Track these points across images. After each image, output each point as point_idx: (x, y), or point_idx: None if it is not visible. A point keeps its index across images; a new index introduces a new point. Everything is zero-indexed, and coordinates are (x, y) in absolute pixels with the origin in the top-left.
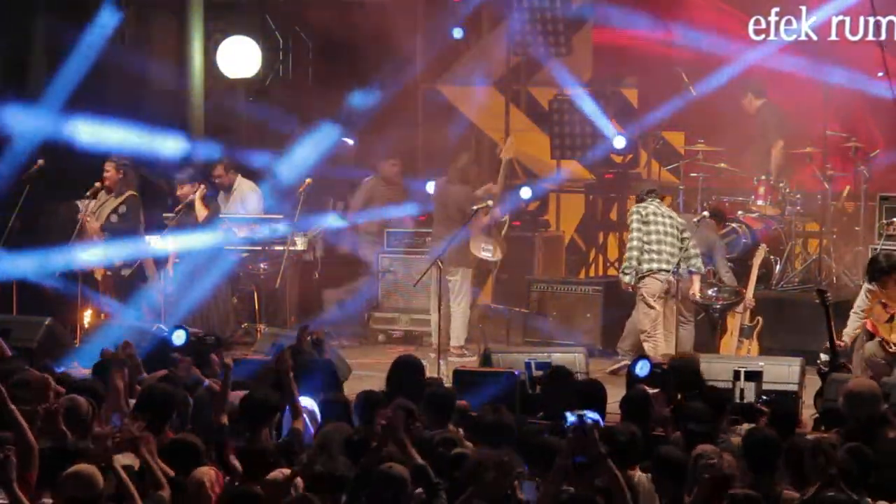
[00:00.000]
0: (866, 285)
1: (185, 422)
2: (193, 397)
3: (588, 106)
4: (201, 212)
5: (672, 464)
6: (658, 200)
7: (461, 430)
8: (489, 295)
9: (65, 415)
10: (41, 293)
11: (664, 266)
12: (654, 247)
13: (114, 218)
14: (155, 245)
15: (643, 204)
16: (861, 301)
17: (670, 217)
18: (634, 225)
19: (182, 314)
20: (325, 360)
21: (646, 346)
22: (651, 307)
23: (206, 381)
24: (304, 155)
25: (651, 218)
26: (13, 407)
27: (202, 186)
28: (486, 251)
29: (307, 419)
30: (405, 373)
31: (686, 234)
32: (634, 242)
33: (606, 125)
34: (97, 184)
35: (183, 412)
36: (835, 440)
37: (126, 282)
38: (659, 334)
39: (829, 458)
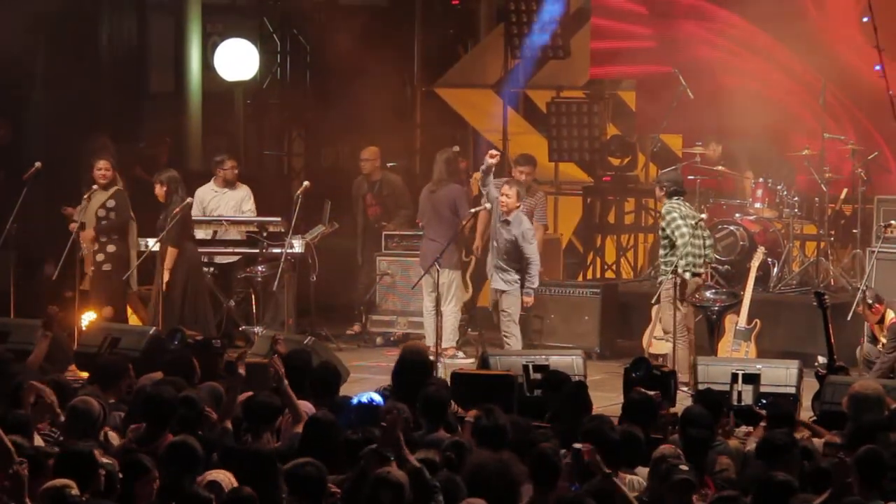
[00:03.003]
0: None
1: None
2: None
3: None
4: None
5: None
6: (681, 199)
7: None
8: (487, 297)
9: (76, 417)
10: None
11: (690, 269)
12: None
13: (101, 213)
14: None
15: (676, 204)
16: None
17: (693, 218)
18: (680, 222)
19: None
20: (324, 361)
21: (670, 345)
22: (678, 308)
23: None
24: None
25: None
26: None
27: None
28: None
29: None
30: (412, 369)
31: (705, 234)
32: (688, 238)
33: None
34: (94, 186)
35: (192, 416)
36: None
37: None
38: (684, 335)
39: (842, 466)
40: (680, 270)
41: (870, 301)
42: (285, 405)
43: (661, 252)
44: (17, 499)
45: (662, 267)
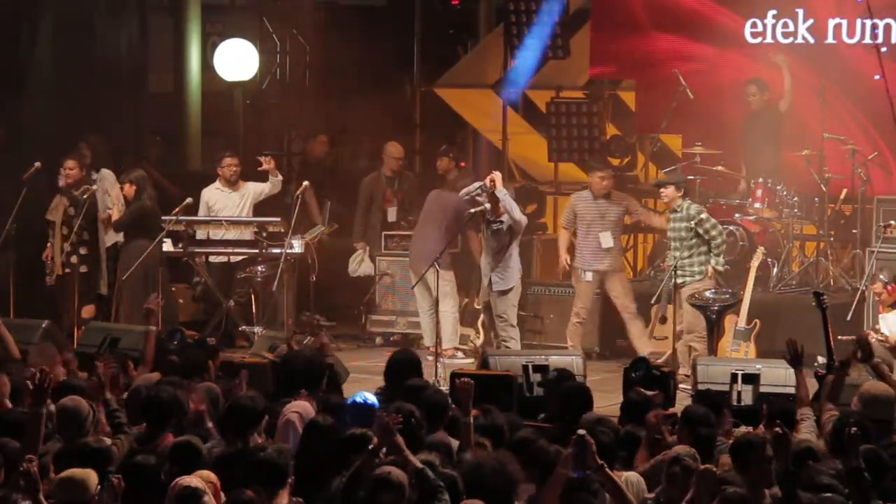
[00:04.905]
0: None
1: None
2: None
3: None
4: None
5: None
6: None
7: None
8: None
9: (65, 415)
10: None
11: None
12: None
13: (71, 211)
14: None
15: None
16: None
17: None
18: (711, 223)
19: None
20: (307, 356)
21: (696, 345)
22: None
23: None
24: None
25: None
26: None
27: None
28: None
29: (296, 421)
30: (402, 369)
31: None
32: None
33: None
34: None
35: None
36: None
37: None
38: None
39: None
40: (720, 268)
41: (884, 279)
42: (269, 407)
43: (689, 252)
44: (33, 495)
45: (694, 267)
